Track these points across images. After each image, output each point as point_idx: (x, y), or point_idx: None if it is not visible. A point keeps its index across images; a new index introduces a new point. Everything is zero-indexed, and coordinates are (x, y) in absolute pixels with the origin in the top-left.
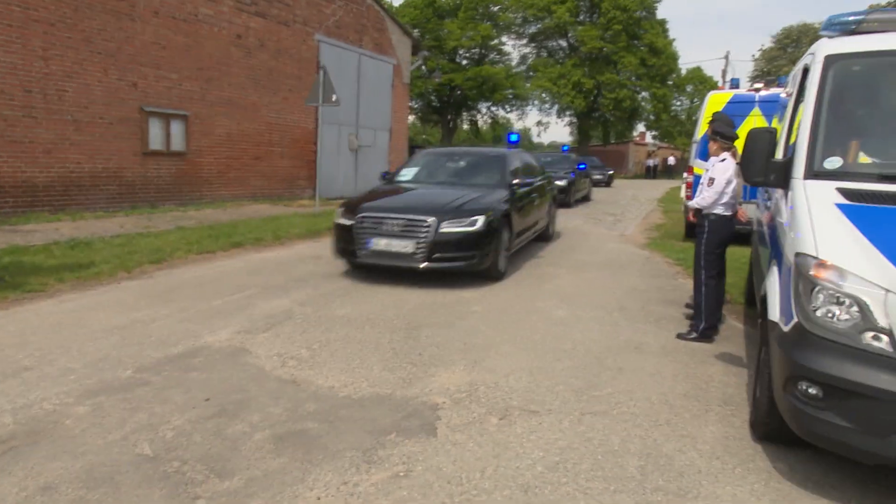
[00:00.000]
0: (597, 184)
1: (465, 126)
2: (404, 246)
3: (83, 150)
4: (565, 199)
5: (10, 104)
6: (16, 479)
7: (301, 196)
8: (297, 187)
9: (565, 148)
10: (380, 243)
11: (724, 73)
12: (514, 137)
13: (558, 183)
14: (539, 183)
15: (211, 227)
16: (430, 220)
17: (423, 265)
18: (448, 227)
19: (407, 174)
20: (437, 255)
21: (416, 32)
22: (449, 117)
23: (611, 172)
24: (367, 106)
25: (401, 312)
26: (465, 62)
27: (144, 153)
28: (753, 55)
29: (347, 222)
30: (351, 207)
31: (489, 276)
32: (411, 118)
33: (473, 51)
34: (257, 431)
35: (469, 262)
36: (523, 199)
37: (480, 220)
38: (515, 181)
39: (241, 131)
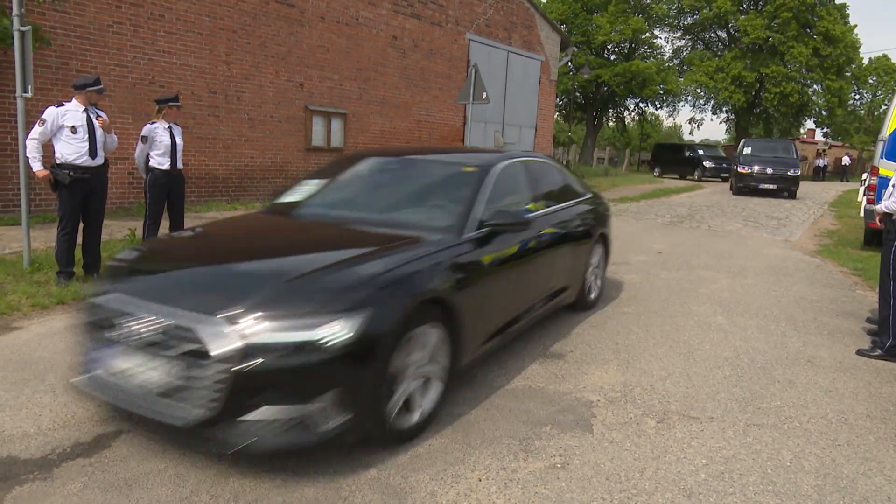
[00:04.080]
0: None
1: (611, 123)
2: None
3: (256, 146)
4: None
5: (199, 104)
6: None
7: None
8: None
9: None
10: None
11: None
12: None
13: None
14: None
15: None
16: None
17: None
18: None
19: None
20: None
21: (563, 28)
22: (594, 114)
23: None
24: (513, 103)
25: None
26: (613, 57)
27: (307, 149)
28: None
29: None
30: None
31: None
32: (555, 115)
33: (623, 45)
34: None
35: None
36: None
37: None
38: None
39: (393, 128)
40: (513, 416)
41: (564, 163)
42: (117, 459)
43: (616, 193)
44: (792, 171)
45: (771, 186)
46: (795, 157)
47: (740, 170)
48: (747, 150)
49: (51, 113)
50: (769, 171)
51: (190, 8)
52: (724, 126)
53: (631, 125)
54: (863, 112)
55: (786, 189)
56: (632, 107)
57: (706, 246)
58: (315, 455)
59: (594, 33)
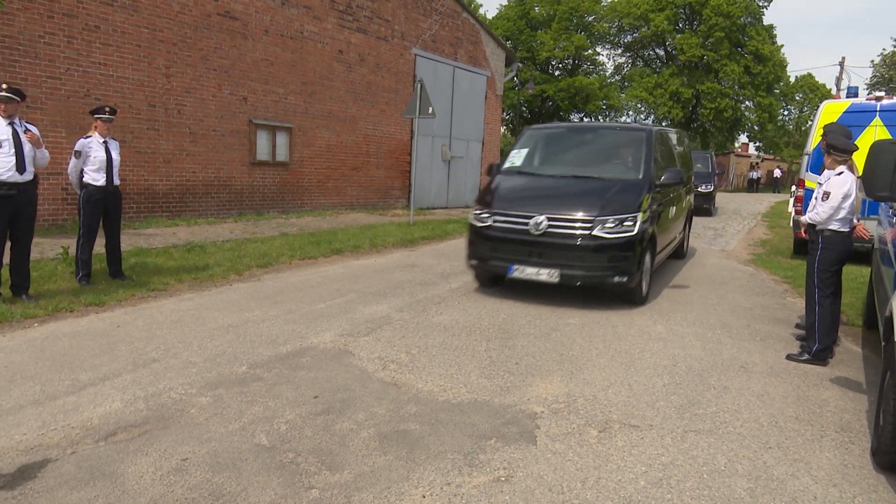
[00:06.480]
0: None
1: None
2: None
3: (198, 161)
4: None
5: (137, 118)
6: (151, 458)
7: (395, 206)
8: (392, 197)
9: None
10: None
11: (838, 80)
12: None
13: None
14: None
15: (312, 234)
16: None
17: None
18: None
19: None
20: None
21: (509, 44)
22: None
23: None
24: (460, 118)
25: (495, 322)
26: (557, 73)
27: (252, 163)
28: (872, 60)
29: None
30: None
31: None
32: (502, 129)
33: (566, 61)
34: (363, 429)
35: None
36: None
37: None
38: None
39: (340, 143)
40: (458, 430)
41: None
42: (43, 491)
43: None
44: (608, 227)
45: (542, 276)
46: (640, 173)
47: (473, 220)
48: (517, 161)
49: None
50: (535, 224)
51: (127, 19)
52: None
53: None
54: (791, 127)
55: (596, 277)
56: (576, 121)
57: None
58: (253, 477)
59: (538, 49)
